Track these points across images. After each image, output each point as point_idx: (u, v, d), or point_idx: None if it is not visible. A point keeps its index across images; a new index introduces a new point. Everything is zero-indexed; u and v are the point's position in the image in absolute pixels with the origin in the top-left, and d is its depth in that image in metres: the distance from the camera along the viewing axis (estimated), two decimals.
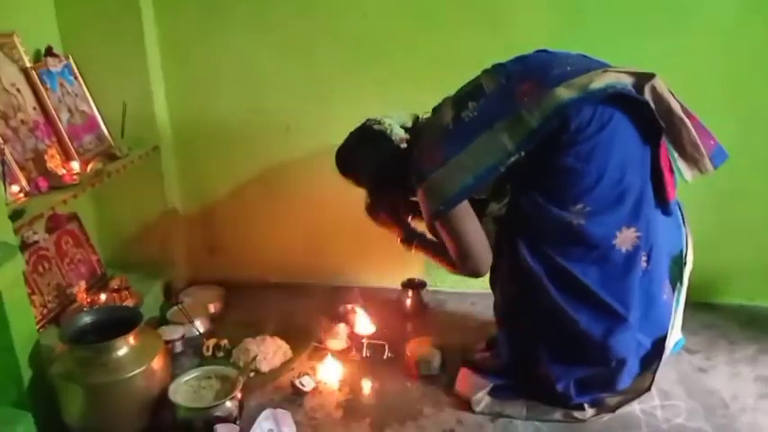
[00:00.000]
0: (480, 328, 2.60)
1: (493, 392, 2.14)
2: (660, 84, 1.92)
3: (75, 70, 2.54)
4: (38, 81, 2.32)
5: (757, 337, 2.53)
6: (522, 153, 1.86)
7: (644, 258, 1.98)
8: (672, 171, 2.00)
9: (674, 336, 2.13)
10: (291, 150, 2.81)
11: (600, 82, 1.84)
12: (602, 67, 1.93)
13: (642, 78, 1.92)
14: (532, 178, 1.95)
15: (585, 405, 2.06)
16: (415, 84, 2.59)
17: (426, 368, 2.32)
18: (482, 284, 2.86)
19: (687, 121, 1.94)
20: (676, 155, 2.00)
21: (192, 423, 1.98)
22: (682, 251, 2.10)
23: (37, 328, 2.08)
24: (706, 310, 2.67)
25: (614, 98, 1.86)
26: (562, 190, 1.92)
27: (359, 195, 2.79)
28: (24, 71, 2.30)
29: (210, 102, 2.77)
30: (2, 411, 1.92)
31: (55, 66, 2.44)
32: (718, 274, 2.75)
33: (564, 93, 1.83)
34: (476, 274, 2.04)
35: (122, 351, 1.99)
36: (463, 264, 2.03)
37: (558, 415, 2.07)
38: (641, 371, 2.08)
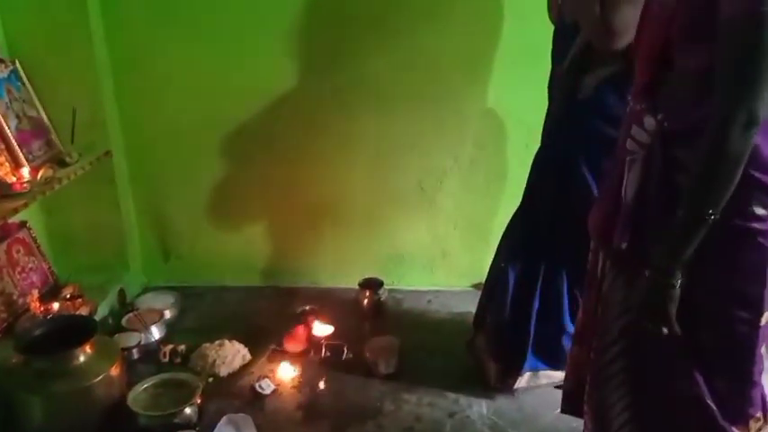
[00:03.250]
0: (437, 325, 2.66)
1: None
2: None
3: (23, 75, 2.49)
4: None
5: None
6: None
7: None
8: None
9: None
10: (243, 153, 2.81)
11: None
12: None
13: None
14: None
15: None
16: (374, 88, 2.66)
17: (385, 367, 2.36)
18: (438, 282, 2.97)
19: None
20: None
21: (152, 431, 1.97)
22: None
23: None
24: None
25: None
26: None
27: (311, 200, 2.82)
28: None
29: (162, 106, 2.75)
30: None
31: (1, 71, 2.38)
32: None
33: None
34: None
35: (79, 360, 1.98)
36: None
37: None
38: None
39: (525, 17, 2.50)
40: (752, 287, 1.35)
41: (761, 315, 1.37)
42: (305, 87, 2.67)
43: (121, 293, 2.80)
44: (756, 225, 1.30)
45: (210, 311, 2.83)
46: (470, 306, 2.51)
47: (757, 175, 1.27)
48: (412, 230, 2.92)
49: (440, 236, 2.93)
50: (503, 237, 2.31)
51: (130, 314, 2.62)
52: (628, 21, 1.71)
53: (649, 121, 1.38)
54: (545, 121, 2.17)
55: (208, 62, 2.66)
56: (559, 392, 1.91)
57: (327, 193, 2.85)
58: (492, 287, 2.31)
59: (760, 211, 1.30)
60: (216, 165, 2.84)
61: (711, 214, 1.25)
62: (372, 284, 2.83)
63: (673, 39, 1.32)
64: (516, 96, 2.63)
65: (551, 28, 2.10)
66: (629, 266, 1.45)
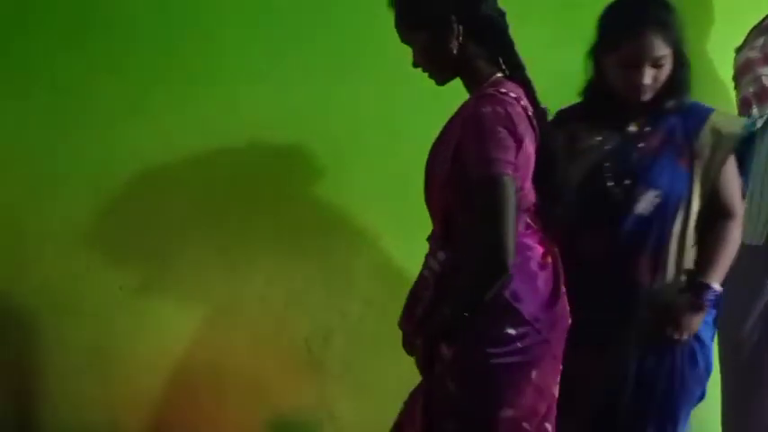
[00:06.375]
0: None
1: None
2: None
3: None
4: None
5: None
6: None
7: None
8: None
9: None
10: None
11: None
12: None
13: None
14: None
15: None
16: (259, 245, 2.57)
17: None
18: None
19: None
20: None
21: None
22: None
23: None
24: None
25: None
26: None
27: (188, 368, 2.59)
28: None
29: None
30: None
31: None
32: None
33: None
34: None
35: None
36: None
37: None
38: None
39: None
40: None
41: None
42: (186, 248, 2.55)
43: None
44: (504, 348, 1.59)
45: None
46: None
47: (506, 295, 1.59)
48: (297, 393, 2.75)
49: (327, 398, 2.77)
50: None
51: None
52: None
53: (440, 255, 1.73)
54: None
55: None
56: None
57: (206, 359, 2.63)
58: None
59: (510, 330, 1.59)
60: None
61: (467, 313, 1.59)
62: None
63: (447, 198, 1.68)
64: (406, 252, 2.60)
65: None
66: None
